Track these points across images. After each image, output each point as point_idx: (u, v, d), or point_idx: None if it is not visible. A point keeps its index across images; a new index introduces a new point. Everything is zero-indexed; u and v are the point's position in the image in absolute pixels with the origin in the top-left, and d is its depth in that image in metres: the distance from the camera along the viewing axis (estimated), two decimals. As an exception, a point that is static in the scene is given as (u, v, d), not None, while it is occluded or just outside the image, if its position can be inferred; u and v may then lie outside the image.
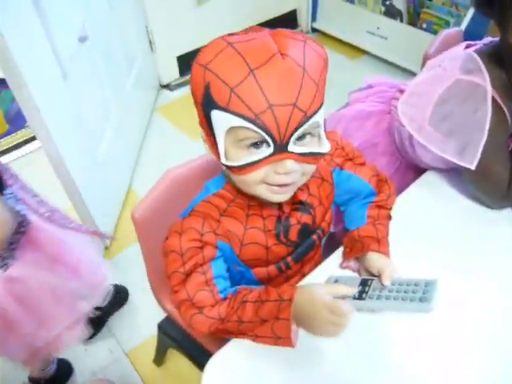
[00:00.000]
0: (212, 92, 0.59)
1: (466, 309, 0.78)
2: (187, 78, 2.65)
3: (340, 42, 2.89)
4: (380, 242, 0.79)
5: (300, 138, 0.63)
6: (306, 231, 0.78)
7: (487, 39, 0.97)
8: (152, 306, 1.16)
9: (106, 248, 1.82)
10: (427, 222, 0.92)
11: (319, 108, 0.61)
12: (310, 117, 0.60)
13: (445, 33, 1.33)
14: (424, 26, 2.43)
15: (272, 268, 0.78)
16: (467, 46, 0.98)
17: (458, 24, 2.22)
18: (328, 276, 0.79)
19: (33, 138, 2.33)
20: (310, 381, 0.70)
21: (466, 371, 0.70)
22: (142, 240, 0.97)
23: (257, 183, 0.65)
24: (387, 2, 2.54)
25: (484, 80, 0.86)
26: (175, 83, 2.65)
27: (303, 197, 0.77)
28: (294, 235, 0.77)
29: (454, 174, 0.97)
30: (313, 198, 0.79)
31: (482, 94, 0.86)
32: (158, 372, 1.45)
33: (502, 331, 0.75)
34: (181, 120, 2.42)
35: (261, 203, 0.73)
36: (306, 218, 0.78)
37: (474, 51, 0.93)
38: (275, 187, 0.65)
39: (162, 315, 1.16)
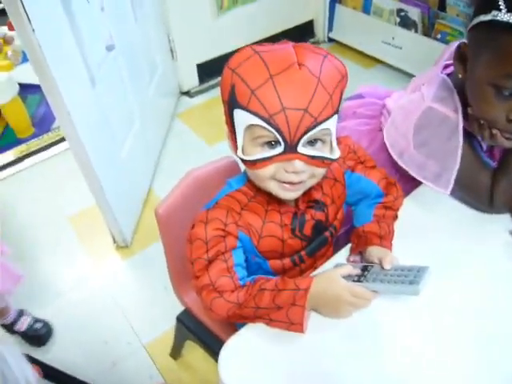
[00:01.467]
0: (236, 93, 0.66)
1: (458, 299, 0.82)
2: (206, 85, 2.72)
3: (355, 51, 2.92)
4: (382, 238, 0.84)
5: (312, 143, 0.69)
6: (319, 227, 0.84)
7: None
8: (170, 302, 1.21)
9: (127, 246, 1.89)
10: (429, 223, 0.96)
11: (330, 116, 0.67)
12: (320, 123, 0.66)
13: (454, 44, 1.35)
14: (438, 36, 2.46)
15: (287, 261, 0.83)
16: (446, 66, 0.98)
17: (471, 35, 2.25)
18: (335, 264, 0.86)
19: (57, 142, 2.42)
20: (319, 364, 0.74)
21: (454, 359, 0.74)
22: (164, 236, 1.01)
23: (268, 178, 0.71)
24: (402, 13, 2.59)
25: (455, 110, 0.89)
26: (195, 90, 2.72)
27: (317, 195, 0.83)
28: (308, 230, 0.83)
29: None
30: (326, 197, 0.84)
31: (454, 124, 0.89)
32: (174, 365, 1.49)
33: (484, 319, 0.79)
34: (199, 126, 2.48)
35: (279, 200, 0.79)
36: (319, 215, 0.83)
37: (450, 74, 0.94)
38: (285, 184, 0.71)
39: (179, 310, 1.21)
